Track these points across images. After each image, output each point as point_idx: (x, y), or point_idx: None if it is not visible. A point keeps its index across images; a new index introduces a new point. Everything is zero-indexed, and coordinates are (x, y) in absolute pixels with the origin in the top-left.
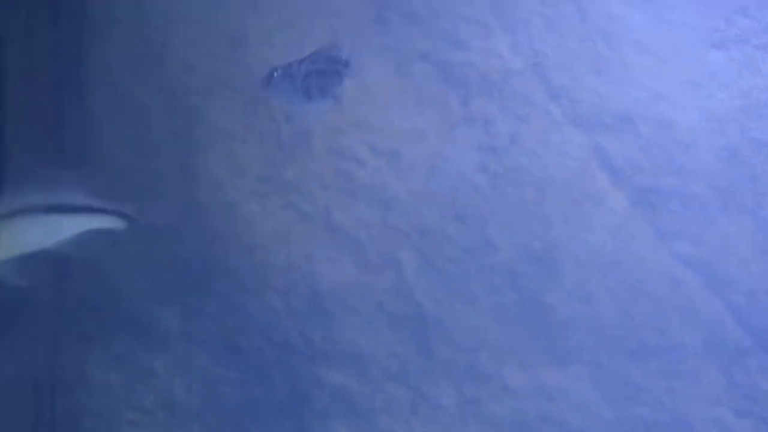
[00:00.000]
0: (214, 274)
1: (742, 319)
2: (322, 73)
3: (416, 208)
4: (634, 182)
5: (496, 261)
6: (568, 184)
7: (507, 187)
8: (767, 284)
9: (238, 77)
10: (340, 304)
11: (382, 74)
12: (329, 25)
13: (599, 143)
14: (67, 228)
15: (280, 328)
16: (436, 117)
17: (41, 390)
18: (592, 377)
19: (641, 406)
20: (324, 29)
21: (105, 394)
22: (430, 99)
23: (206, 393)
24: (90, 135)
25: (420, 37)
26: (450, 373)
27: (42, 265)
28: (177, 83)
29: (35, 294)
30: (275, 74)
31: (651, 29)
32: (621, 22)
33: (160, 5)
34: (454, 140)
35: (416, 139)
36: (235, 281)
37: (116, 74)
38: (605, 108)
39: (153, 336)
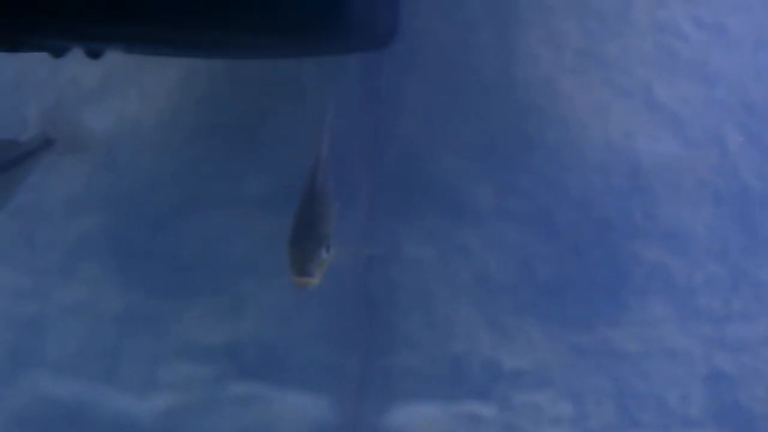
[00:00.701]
0: (529, 150)
1: None
2: None
3: (742, 83)
4: None
5: None
6: None
7: None
8: None
9: None
10: (661, 180)
11: None
12: None
13: None
14: None
15: (599, 204)
16: None
17: (356, 266)
18: None
19: None
20: None
21: (418, 270)
22: None
23: (521, 269)
24: (405, 9)
25: None
26: None
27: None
28: None
29: (350, 171)
30: None
31: None
32: None
33: None
34: None
35: (742, 11)
36: (552, 157)
37: None
38: None
39: (466, 212)
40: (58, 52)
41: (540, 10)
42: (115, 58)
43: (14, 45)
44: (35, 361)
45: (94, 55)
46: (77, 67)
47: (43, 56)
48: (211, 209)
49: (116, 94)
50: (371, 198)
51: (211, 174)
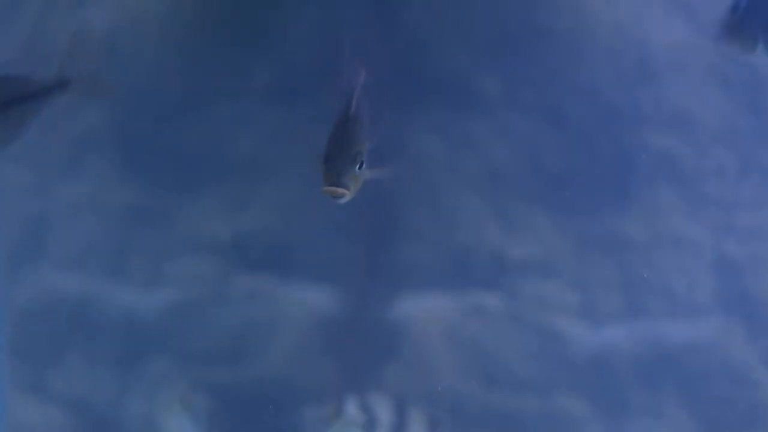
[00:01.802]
0: (539, 39)
1: None
2: None
3: None
4: None
5: None
6: None
7: None
8: None
9: None
10: (671, 67)
11: None
12: None
13: None
14: None
15: (607, 92)
16: None
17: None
18: None
19: None
20: None
21: (425, 162)
22: None
23: (528, 160)
24: None
25: None
26: None
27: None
28: None
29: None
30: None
31: None
32: None
33: None
34: None
35: None
36: (561, 46)
37: None
38: None
39: (474, 104)
40: None
41: None
42: None
43: None
44: (41, 257)
45: None
46: None
47: None
48: (216, 102)
49: None
50: (377, 89)
51: (215, 67)
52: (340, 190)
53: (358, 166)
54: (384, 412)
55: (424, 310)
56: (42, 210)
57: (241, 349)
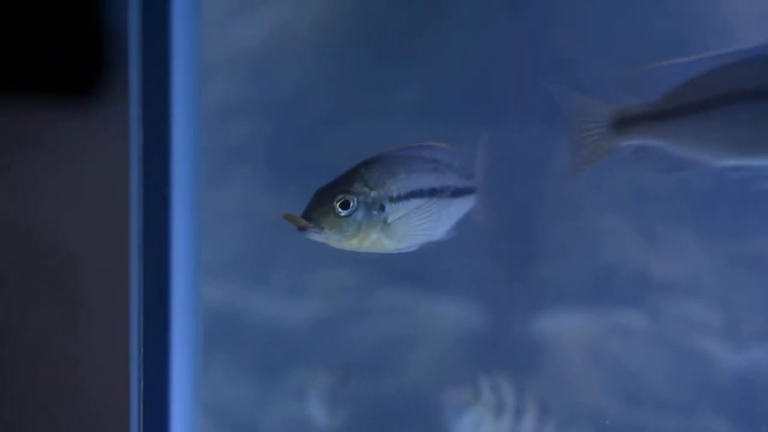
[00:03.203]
0: (681, 52)
1: None
2: None
3: None
4: None
5: None
6: None
7: None
8: None
9: None
10: None
11: None
12: None
13: None
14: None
15: None
16: None
17: (503, 175)
18: None
19: None
20: None
21: (570, 179)
22: None
23: (675, 180)
24: None
25: None
26: None
27: None
28: None
29: (496, 78)
30: None
31: None
32: None
33: None
34: None
35: None
36: None
37: None
38: None
39: None
40: None
41: None
42: None
43: None
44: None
45: None
46: None
47: None
48: (362, 118)
49: (269, 3)
50: (522, 108)
51: (362, 83)
52: (302, 221)
53: (341, 207)
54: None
55: (565, 327)
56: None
57: (381, 362)
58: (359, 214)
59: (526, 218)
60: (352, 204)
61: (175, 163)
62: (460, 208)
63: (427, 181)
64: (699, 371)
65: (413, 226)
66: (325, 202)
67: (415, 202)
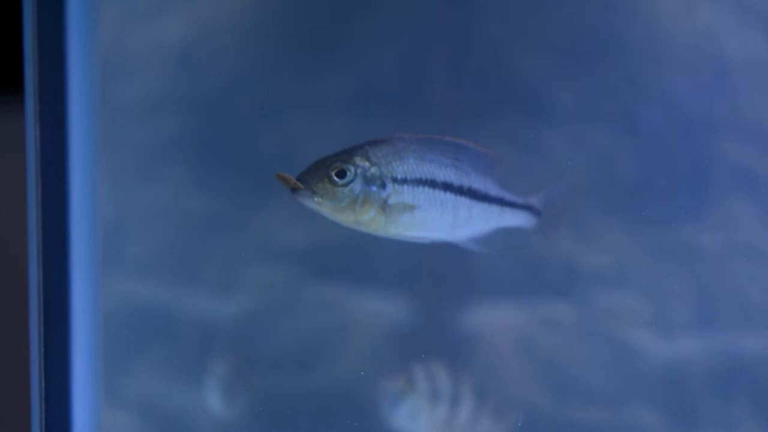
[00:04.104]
0: (614, 48)
1: None
2: None
3: None
4: None
5: None
6: None
7: None
8: None
9: None
10: (748, 79)
11: None
12: None
13: None
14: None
15: (684, 102)
16: None
17: None
18: None
19: None
20: None
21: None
22: None
23: (603, 169)
24: None
25: None
26: None
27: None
28: None
29: (431, 73)
30: None
31: None
32: None
33: None
34: None
35: None
36: (637, 55)
37: None
38: None
39: (548, 112)
40: None
41: None
42: None
43: None
44: (118, 263)
45: None
46: None
47: None
48: (291, 110)
49: None
50: (452, 99)
51: (290, 74)
52: (294, 182)
53: (337, 176)
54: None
55: (495, 319)
56: (118, 216)
57: (312, 357)
58: (356, 187)
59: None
60: (348, 174)
61: (72, 161)
62: (490, 216)
63: (443, 174)
64: (628, 362)
65: (419, 215)
66: (321, 168)
67: (425, 191)
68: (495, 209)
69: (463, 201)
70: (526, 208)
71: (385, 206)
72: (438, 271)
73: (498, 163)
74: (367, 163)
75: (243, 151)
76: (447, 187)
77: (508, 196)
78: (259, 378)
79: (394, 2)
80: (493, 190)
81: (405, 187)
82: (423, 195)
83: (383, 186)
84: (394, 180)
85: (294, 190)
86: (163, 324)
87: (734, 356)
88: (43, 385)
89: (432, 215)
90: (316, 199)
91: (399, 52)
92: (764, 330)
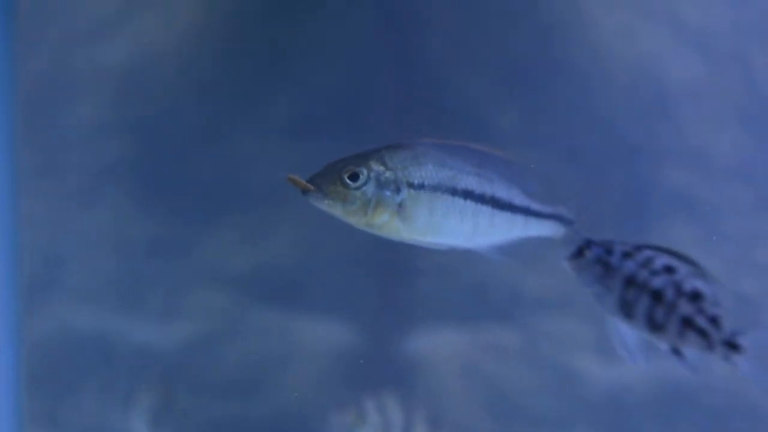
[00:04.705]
0: (555, 73)
1: None
2: None
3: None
4: None
5: None
6: None
7: None
8: None
9: None
10: (687, 103)
11: None
12: None
13: None
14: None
15: (624, 126)
16: None
17: None
18: None
19: None
20: None
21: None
22: None
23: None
24: None
25: None
26: None
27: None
28: None
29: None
30: None
31: None
32: None
33: None
34: None
35: None
36: (578, 80)
37: None
38: None
39: (490, 135)
40: None
41: None
42: None
43: None
44: (59, 290)
45: None
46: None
47: None
48: (235, 134)
49: (135, 22)
50: (395, 121)
51: (234, 98)
52: (305, 184)
53: (349, 179)
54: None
55: (441, 345)
56: (60, 242)
57: (256, 384)
58: (369, 190)
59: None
60: (361, 177)
61: None
62: (513, 225)
63: (464, 181)
64: (571, 387)
65: (435, 220)
66: (334, 170)
67: (444, 198)
68: (519, 218)
69: (485, 209)
70: (553, 217)
71: (399, 210)
72: (383, 296)
73: (526, 172)
74: (381, 167)
75: (186, 176)
76: (467, 194)
77: (535, 206)
78: (200, 406)
79: (338, 28)
80: (518, 199)
81: (422, 192)
82: (441, 201)
83: (397, 191)
84: (411, 185)
85: (305, 192)
86: (101, 352)
87: (675, 381)
88: None
89: (450, 222)
90: (327, 201)
91: (342, 76)
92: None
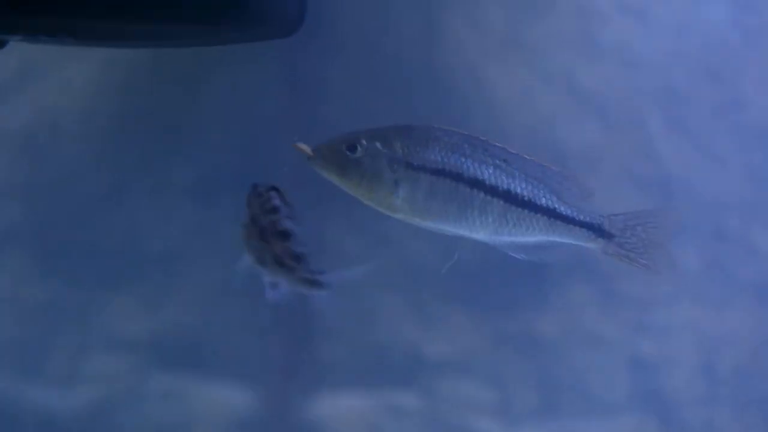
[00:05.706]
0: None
1: None
2: None
3: (664, 68)
4: None
5: (747, 119)
6: None
7: (761, 42)
8: None
9: None
10: (583, 167)
11: None
12: None
13: None
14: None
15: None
16: None
17: None
18: None
19: None
20: None
21: (341, 260)
22: None
23: (443, 256)
24: None
25: None
26: (696, 236)
27: None
28: None
29: (270, 159)
30: None
31: None
32: None
33: None
34: None
35: None
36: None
37: None
38: None
39: None
40: None
41: None
42: (30, 48)
43: None
44: None
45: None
46: None
47: None
48: (134, 199)
49: (34, 86)
50: (296, 183)
51: (134, 163)
52: (309, 151)
53: (347, 149)
54: None
55: (342, 409)
56: None
57: None
58: (365, 162)
59: (301, 300)
60: (359, 149)
61: None
62: (534, 225)
63: (474, 170)
64: None
65: (435, 204)
66: (338, 141)
67: (446, 183)
68: (542, 219)
69: (496, 202)
70: (586, 226)
71: (395, 189)
72: (284, 360)
73: (565, 178)
74: (381, 143)
75: (86, 240)
76: (475, 183)
77: (565, 209)
78: None
79: (239, 88)
80: (545, 200)
81: (421, 173)
82: (442, 186)
83: (393, 169)
84: (410, 165)
85: (309, 158)
86: (2, 418)
87: None
88: None
89: (451, 209)
90: (325, 169)
91: (244, 137)
92: (605, 417)
